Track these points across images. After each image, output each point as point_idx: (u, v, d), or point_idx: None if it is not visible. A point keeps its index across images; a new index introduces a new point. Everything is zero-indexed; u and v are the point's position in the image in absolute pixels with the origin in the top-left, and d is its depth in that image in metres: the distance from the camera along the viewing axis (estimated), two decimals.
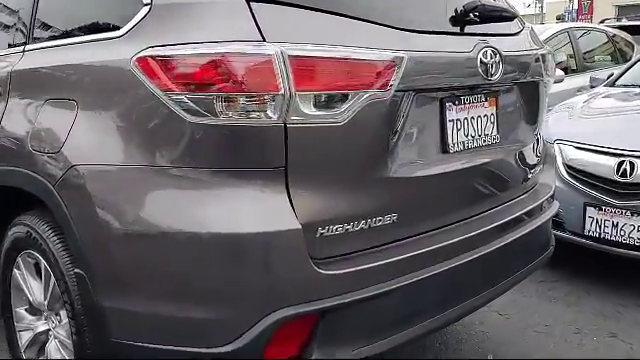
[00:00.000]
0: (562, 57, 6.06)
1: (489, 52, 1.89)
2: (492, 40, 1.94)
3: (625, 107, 4.08)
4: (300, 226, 1.47)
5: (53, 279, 1.83)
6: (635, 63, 4.67)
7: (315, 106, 1.48)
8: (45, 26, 2.04)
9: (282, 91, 1.42)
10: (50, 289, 1.89)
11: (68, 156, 1.69)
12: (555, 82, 4.78)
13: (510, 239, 2.02)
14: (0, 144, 2.00)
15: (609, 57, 6.69)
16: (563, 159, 3.39)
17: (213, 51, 1.43)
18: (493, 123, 2.02)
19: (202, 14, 1.51)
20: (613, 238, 3.10)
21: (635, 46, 6.97)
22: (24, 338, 2.11)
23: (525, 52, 2.17)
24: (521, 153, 2.20)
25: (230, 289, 1.46)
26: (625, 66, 4.83)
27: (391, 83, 1.59)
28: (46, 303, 1.96)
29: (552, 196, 2.40)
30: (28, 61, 2.01)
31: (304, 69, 1.45)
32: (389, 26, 1.67)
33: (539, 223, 2.21)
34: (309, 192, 1.52)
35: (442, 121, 1.83)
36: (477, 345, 2.69)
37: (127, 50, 1.56)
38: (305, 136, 1.49)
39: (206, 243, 1.46)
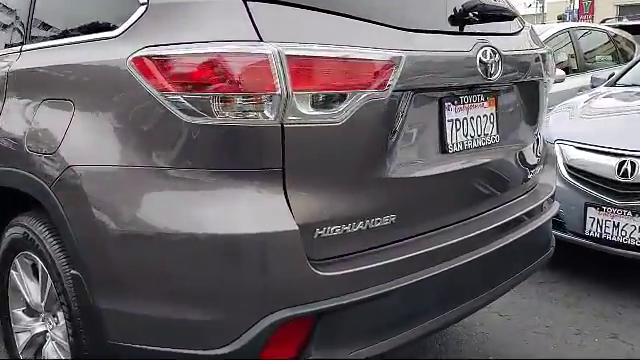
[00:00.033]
0: (563, 57, 6.05)
1: (488, 51, 1.88)
2: (492, 39, 1.93)
3: (626, 107, 4.06)
4: (297, 227, 1.46)
5: (50, 280, 1.82)
6: (636, 63, 4.66)
7: (312, 106, 1.47)
8: (42, 26, 2.03)
9: (279, 91, 1.41)
10: (47, 290, 1.88)
11: (64, 157, 1.67)
12: (556, 82, 4.77)
13: (510, 240, 2.01)
14: None
15: (610, 57, 6.68)
16: (564, 159, 3.38)
17: (209, 51, 1.42)
18: (493, 123, 2.01)
19: (198, 13, 1.50)
20: (614, 238, 3.09)
21: (636, 46, 6.96)
22: (21, 339, 2.10)
23: (525, 52, 2.16)
24: (521, 153, 2.19)
25: (227, 291, 1.45)
26: (626, 66, 4.81)
27: (389, 83, 1.58)
28: (43, 304, 1.95)
29: (552, 196, 2.39)
30: (25, 61, 2.00)
31: (301, 69, 1.44)
32: (387, 25, 1.65)
33: (539, 224, 2.19)
34: (307, 193, 1.51)
35: (441, 121, 1.82)
36: (477, 346, 2.68)
37: (123, 50, 1.55)
38: (302, 136, 1.48)
39: (202, 244, 1.44)
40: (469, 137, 1.91)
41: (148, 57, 1.50)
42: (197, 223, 1.45)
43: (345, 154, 1.57)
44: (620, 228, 3.06)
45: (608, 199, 3.11)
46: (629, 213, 3.04)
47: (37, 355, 2.06)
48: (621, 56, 6.66)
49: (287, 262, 1.46)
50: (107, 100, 1.62)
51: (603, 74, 5.05)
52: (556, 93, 4.67)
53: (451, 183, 1.87)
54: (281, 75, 1.40)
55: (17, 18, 2.14)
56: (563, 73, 5.28)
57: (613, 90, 4.35)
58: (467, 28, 1.88)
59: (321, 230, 1.52)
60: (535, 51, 2.22)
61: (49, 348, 1.98)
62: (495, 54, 1.90)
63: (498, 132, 2.03)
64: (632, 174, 3.06)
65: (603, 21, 9.35)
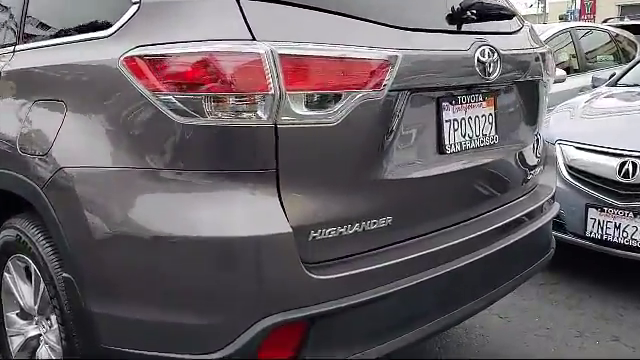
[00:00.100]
0: (564, 57, 6.02)
1: (487, 51, 1.85)
2: (490, 38, 1.90)
3: (627, 107, 4.03)
4: (291, 229, 1.43)
5: (43, 283, 1.80)
6: (638, 63, 4.63)
7: (307, 106, 1.44)
8: (35, 26, 2.01)
9: (272, 91, 1.38)
10: (40, 294, 1.86)
11: (56, 158, 1.65)
12: (557, 82, 4.75)
13: (510, 241, 1.98)
14: None
15: (612, 57, 6.65)
16: (564, 159, 3.35)
17: (201, 50, 1.40)
18: (491, 123, 1.98)
19: (191, 12, 1.48)
20: (615, 240, 3.06)
21: (638, 46, 6.92)
22: (15, 343, 2.08)
23: (524, 51, 2.14)
24: (520, 154, 2.16)
25: (219, 294, 1.43)
26: (627, 66, 4.79)
27: (385, 83, 1.55)
28: (36, 308, 1.92)
29: (552, 197, 2.36)
30: (18, 61, 1.98)
31: (295, 68, 1.42)
32: (383, 24, 1.63)
33: (539, 225, 2.17)
34: (301, 194, 1.49)
35: (438, 121, 1.80)
36: (477, 349, 2.66)
37: (115, 50, 1.53)
38: (296, 137, 1.45)
39: (193, 247, 1.42)
40: (467, 138, 1.88)
41: (140, 57, 1.47)
42: (188, 225, 1.43)
43: (340, 155, 1.54)
44: (621, 229, 3.03)
45: (609, 200, 3.09)
46: (630, 214, 3.01)
47: (31, 358, 2.03)
48: (622, 56, 6.63)
49: (280, 265, 1.43)
50: (99, 101, 1.60)
51: (604, 74, 5.03)
52: (557, 93, 4.64)
53: (449, 184, 1.84)
54: (274, 75, 1.38)
55: (10, 18, 2.12)
56: (564, 73, 5.25)
57: (614, 90, 4.32)
58: (465, 27, 1.86)
59: (316, 232, 1.50)
60: (535, 50, 2.19)
61: (42, 352, 1.96)
62: (493, 53, 1.87)
63: (497, 132, 2.00)
64: (633, 175, 3.04)
65: (605, 21, 9.32)
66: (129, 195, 1.51)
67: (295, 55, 1.42)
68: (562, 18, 21.75)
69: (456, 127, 1.85)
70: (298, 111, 1.43)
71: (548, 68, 2.25)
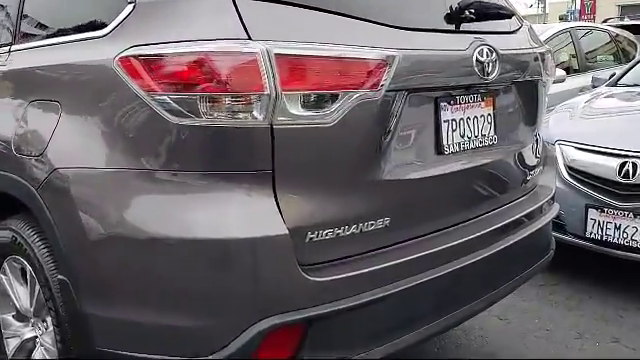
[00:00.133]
0: (564, 57, 6.01)
1: (485, 50, 1.84)
2: (489, 38, 1.89)
3: (627, 107, 4.02)
4: (287, 231, 1.42)
5: (38, 285, 1.79)
6: (638, 63, 4.62)
7: (303, 106, 1.43)
8: (31, 26, 2.00)
9: (268, 91, 1.37)
10: (35, 295, 1.85)
11: (51, 159, 1.64)
12: (557, 82, 4.73)
13: (509, 242, 1.97)
14: None
15: (612, 57, 6.63)
16: (564, 160, 3.34)
17: (196, 50, 1.38)
18: (490, 124, 1.97)
19: (186, 11, 1.46)
20: (615, 240, 3.04)
21: (638, 46, 6.91)
22: (11, 345, 2.06)
23: (523, 51, 2.12)
24: (520, 154, 2.15)
25: (215, 297, 1.41)
26: (627, 66, 4.77)
27: (382, 83, 1.54)
28: (32, 310, 1.91)
29: (552, 198, 2.35)
30: (14, 62, 1.96)
31: (291, 68, 1.40)
32: (380, 24, 1.61)
33: (539, 226, 2.16)
34: (297, 195, 1.47)
35: (437, 122, 1.78)
36: (476, 351, 2.64)
37: (110, 50, 1.52)
38: (293, 137, 1.44)
39: (188, 249, 1.41)
40: (466, 138, 1.87)
41: (135, 57, 1.46)
42: (183, 227, 1.41)
43: (337, 156, 1.53)
44: (621, 230, 3.02)
45: (609, 200, 3.07)
46: (630, 215, 3.00)
47: None
48: (622, 56, 6.61)
49: (277, 267, 1.42)
50: (94, 101, 1.58)
51: (604, 74, 5.01)
52: (557, 93, 4.63)
53: (447, 185, 1.83)
54: (270, 74, 1.36)
55: (6, 18, 2.10)
56: (564, 73, 5.24)
57: (614, 90, 4.31)
58: (463, 26, 1.84)
59: (313, 234, 1.48)
60: (534, 50, 2.18)
61: (38, 354, 1.94)
62: (492, 53, 1.86)
63: (496, 133, 1.99)
64: (633, 175, 3.02)
65: (605, 21, 9.30)
66: (124, 196, 1.50)
67: (291, 55, 1.41)
68: (562, 18, 21.74)
69: (454, 127, 1.83)
70: (294, 111, 1.42)
71: (547, 68, 2.24)
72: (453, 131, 1.83)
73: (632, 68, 4.56)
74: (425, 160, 1.76)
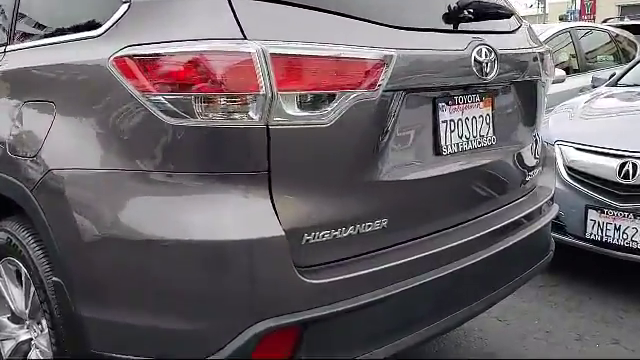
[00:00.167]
0: (564, 57, 5.99)
1: (484, 50, 1.82)
2: (487, 38, 1.87)
3: (627, 107, 4.00)
4: (283, 233, 1.40)
5: (33, 287, 1.77)
6: (638, 63, 4.60)
7: (299, 107, 1.41)
8: (26, 26, 1.99)
9: (263, 91, 1.35)
10: (30, 297, 1.83)
11: (45, 160, 1.63)
12: (556, 82, 4.72)
13: (508, 244, 1.96)
14: None
15: (612, 57, 6.61)
16: (564, 160, 3.32)
17: (191, 49, 1.37)
18: (489, 124, 1.95)
19: (181, 11, 1.45)
20: (615, 241, 3.03)
21: (638, 46, 6.89)
22: (6, 347, 2.05)
23: (522, 50, 2.11)
24: (519, 155, 2.13)
25: (210, 299, 1.40)
26: (627, 66, 4.76)
27: (379, 83, 1.52)
28: (27, 312, 1.90)
29: (552, 199, 2.33)
30: (9, 62, 1.95)
31: (287, 68, 1.39)
32: (378, 23, 1.60)
33: (538, 227, 2.14)
34: (294, 197, 1.46)
35: (435, 122, 1.77)
36: (476, 352, 2.63)
37: (105, 50, 1.50)
38: (289, 138, 1.42)
39: (183, 250, 1.39)
40: (464, 138, 1.85)
41: (129, 57, 1.45)
42: (178, 229, 1.40)
43: (334, 156, 1.51)
44: (621, 231, 3.00)
45: (609, 201, 3.05)
46: (631, 215, 2.98)
47: None
48: (622, 56, 6.60)
49: (273, 269, 1.40)
50: (89, 102, 1.57)
51: (604, 74, 5.00)
52: (557, 93, 4.62)
53: (446, 186, 1.82)
54: (265, 74, 1.35)
55: (1, 18, 2.09)
56: (564, 73, 5.22)
57: (614, 90, 4.29)
58: (462, 26, 1.83)
59: (309, 235, 1.47)
60: (533, 50, 2.16)
61: (34, 356, 1.93)
62: (491, 53, 1.84)
63: (494, 133, 1.97)
64: (634, 175, 3.00)
65: (605, 21, 9.29)
66: (119, 198, 1.49)
67: (287, 54, 1.39)
68: (562, 18, 21.71)
69: (453, 128, 1.82)
70: (290, 112, 1.40)
71: (546, 68, 2.22)
72: (451, 132, 1.81)
73: (632, 68, 4.54)
74: (423, 161, 1.75)
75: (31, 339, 1.96)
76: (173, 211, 1.42)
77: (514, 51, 2.05)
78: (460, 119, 1.84)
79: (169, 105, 1.38)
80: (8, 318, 2.03)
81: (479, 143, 1.91)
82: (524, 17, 2.35)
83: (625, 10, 22.20)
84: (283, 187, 1.43)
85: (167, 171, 1.43)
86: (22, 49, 1.93)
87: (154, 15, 1.49)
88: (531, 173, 2.23)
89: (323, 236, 1.49)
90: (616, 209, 3.03)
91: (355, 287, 1.52)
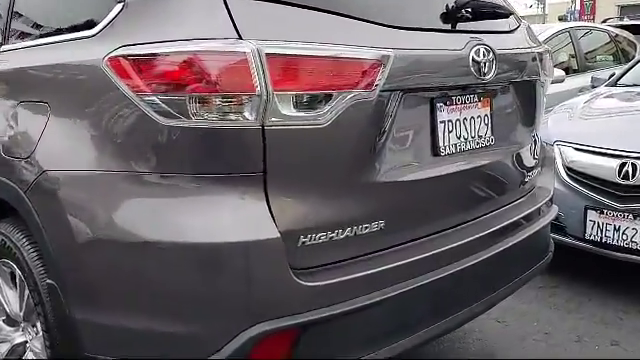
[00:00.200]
0: (563, 57, 5.98)
1: (482, 50, 1.81)
2: (485, 38, 1.86)
3: (627, 107, 3.99)
4: (279, 235, 1.38)
5: (27, 290, 1.76)
6: (637, 63, 4.59)
7: (295, 107, 1.40)
8: (21, 26, 1.98)
9: (259, 91, 1.34)
10: (25, 300, 1.82)
11: (39, 161, 1.61)
12: (556, 82, 4.70)
13: (507, 245, 1.94)
14: None
15: (611, 57, 6.60)
16: (563, 161, 3.31)
17: (185, 49, 1.35)
18: (487, 124, 1.94)
19: (176, 11, 1.43)
20: (615, 242, 3.01)
21: (637, 46, 6.88)
22: (2, 350, 2.03)
23: (521, 50, 2.09)
24: (517, 155, 2.12)
25: (205, 302, 1.38)
26: (627, 66, 4.74)
27: (376, 83, 1.51)
28: (22, 314, 1.88)
29: (551, 200, 2.32)
30: (3, 62, 1.93)
31: (283, 68, 1.37)
32: (375, 23, 1.58)
33: (537, 228, 2.13)
34: (290, 198, 1.44)
35: (432, 122, 1.75)
36: (475, 354, 2.61)
37: (100, 50, 1.49)
38: (285, 139, 1.41)
39: (178, 253, 1.37)
40: (462, 139, 1.84)
41: (124, 57, 1.43)
42: (172, 231, 1.38)
43: (330, 157, 1.50)
44: (621, 232, 2.99)
45: (609, 202, 3.04)
46: (630, 216, 2.97)
47: None
48: (622, 56, 6.59)
49: (268, 272, 1.39)
50: (83, 102, 1.56)
51: (604, 74, 4.98)
52: (556, 93, 4.60)
53: (444, 187, 1.80)
54: (261, 75, 1.33)
55: None
56: (563, 73, 5.21)
57: (614, 90, 4.28)
58: (460, 26, 1.81)
59: (305, 237, 1.45)
60: (532, 50, 2.15)
61: (29, 358, 1.91)
62: (489, 53, 1.83)
63: (493, 134, 1.96)
64: (633, 176, 2.99)
65: (604, 21, 9.28)
66: (113, 199, 1.47)
67: (283, 54, 1.38)
68: (562, 19, 21.71)
69: (451, 128, 1.80)
70: (286, 112, 1.38)
71: (545, 68, 2.21)
72: (449, 132, 1.80)
73: (632, 68, 4.53)
74: (421, 162, 1.73)
75: (26, 342, 1.94)
76: (167, 213, 1.41)
77: (513, 51, 2.03)
78: (458, 119, 1.83)
79: (163, 106, 1.37)
80: (3, 320, 2.02)
81: (477, 144, 1.90)
82: (524, 17, 2.33)
83: (625, 10, 22.20)
84: (279, 188, 1.42)
85: (161, 172, 1.42)
86: (17, 49, 1.92)
87: (149, 15, 1.48)
88: (530, 174, 2.22)
89: (319, 238, 1.48)
90: (616, 210, 3.01)
91: (352, 289, 1.50)
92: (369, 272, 1.55)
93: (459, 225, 1.87)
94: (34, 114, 1.69)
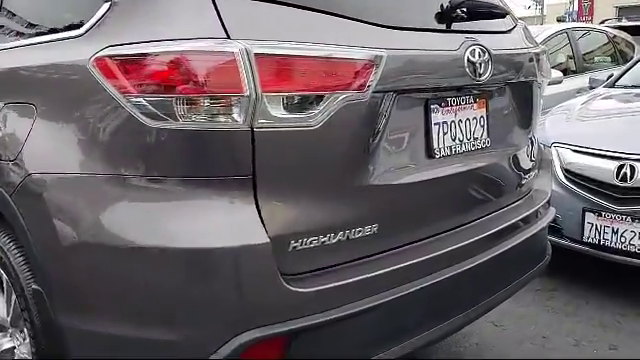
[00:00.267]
0: (561, 58, 5.96)
1: (477, 50, 1.78)
2: (481, 38, 1.83)
3: (625, 109, 3.97)
4: (269, 239, 1.35)
5: (14, 295, 1.72)
6: (635, 64, 4.56)
7: (285, 109, 1.36)
8: (6, 27, 1.94)
9: (247, 92, 1.30)
10: (12, 305, 1.78)
11: (25, 164, 1.58)
12: (554, 83, 4.68)
13: (504, 248, 1.91)
14: None
15: (609, 58, 6.58)
16: (561, 163, 3.28)
17: (171, 49, 1.32)
18: (483, 126, 1.91)
19: (162, 10, 1.40)
20: (613, 245, 2.98)
21: (635, 47, 6.86)
22: None
23: (517, 51, 2.06)
24: (514, 157, 2.09)
25: (192, 308, 1.34)
26: (625, 67, 4.72)
27: (369, 84, 1.47)
28: (9, 320, 1.85)
29: (548, 202, 2.29)
30: None
31: (272, 68, 1.34)
32: (367, 22, 1.55)
33: (534, 231, 2.10)
34: (280, 202, 1.41)
35: (427, 124, 1.72)
36: (472, 358, 2.58)
37: (87, 50, 1.45)
38: (275, 141, 1.37)
39: (164, 258, 1.34)
40: (457, 141, 1.81)
41: (110, 57, 1.40)
42: (158, 236, 1.34)
43: (322, 160, 1.46)
44: (619, 234, 2.96)
45: (607, 204, 3.01)
46: (628, 219, 2.94)
47: None
48: (620, 57, 6.57)
49: (257, 278, 1.35)
50: (69, 104, 1.52)
51: (602, 75, 4.96)
52: (554, 95, 4.58)
53: (438, 190, 1.77)
54: (249, 75, 1.30)
55: None
56: (561, 74, 5.19)
57: (612, 91, 4.25)
58: (455, 26, 1.78)
59: (296, 242, 1.42)
60: (528, 50, 2.12)
61: None
62: (484, 53, 1.80)
63: (489, 135, 1.93)
64: (631, 178, 2.96)
65: (602, 22, 9.26)
66: (100, 203, 1.43)
67: (272, 55, 1.34)
68: (560, 20, 21.72)
69: (446, 130, 1.77)
70: (276, 114, 1.35)
71: (542, 69, 2.18)
72: (444, 134, 1.77)
73: (630, 69, 4.50)
74: (415, 164, 1.70)
75: (14, 347, 1.90)
76: (153, 217, 1.37)
77: (509, 51, 2.00)
78: (453, 121, 1.79)
79: (150, 107, 1.33)
80: None
81: (473, 146, 1.87)
82: (522, 18, 2.30)
83: (623, 11, 22.19)
84: (269, 192, 1.38)
85: (148, 176, 1.38)
86: (1, 50, 1.88)
87: (136, 14, 1.44)
88: (527, 176, 2.19)
89: (311, 242, 1.44)
90: (614, 212, 2.98)
91: (344, 295, 1.47)
92: (362, 277, 1.51)
93: (455, 228, 1.83)
94: (20, 116, 1.65)
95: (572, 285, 3.26)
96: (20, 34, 1.88)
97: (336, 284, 1.45)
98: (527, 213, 2.10)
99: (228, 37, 1.32)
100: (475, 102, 1.87)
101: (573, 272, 3.38)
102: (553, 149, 3.32)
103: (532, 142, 2.24)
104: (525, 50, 2.10)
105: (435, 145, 1.73)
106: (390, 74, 1.53)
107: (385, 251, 1.62)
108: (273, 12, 1.43)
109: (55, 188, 1.51)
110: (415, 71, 1.64)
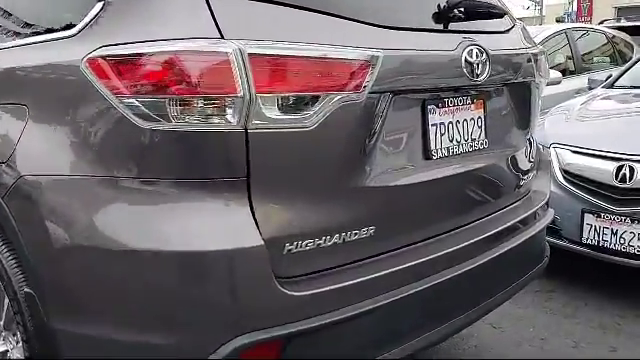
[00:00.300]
0: (560, 59, 5.95)
1: (475, 51, 1.76)
2: (478, 38, 1.81)
3: (624, 109, 3.95)
4: (263, 242, 1.33)
5: (7, 298, 1.70)
6: (634, 64, 4.55)
7: (280, 109, 1.35)
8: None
9: (241, 93, 1.28)
10: (5, 309, 1.76)
11: (17, 166, 1.56)
12: (553, 84, 4.66)
13: (502, 250, 1.90)
14: None
15: (608, 58, 6.57)
16: (560, 164, 3.27)
17: (164, 50, 1.30)
18: (481, 127, 1.89)
19: (156, 10, 1.38)
20: (612, 246, 2.97)
21: (634, 47, 6.86)
22: None
23: (515, 51, 2.04)
24: (512, 158, 2.07)
25: (186, 312, 1.33)
26: (624, 67, 4.71)
27: (365, 84, 1.46)
28: (2, 323, 1.82)
29: (547, 203, 2.27)
30: None
31: (266, 69, 1.32)
32: (364, 22, 1.53)
33: (533, 233, 2.09)
34: (275, 204, 1.39)
35: (424, 125, 1.70)
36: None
37: (79, 50, 1.43)
38: (269, 142, 1.35)
39: (157, 261, 1.32)
40: (455, 142, 1.79)
41: (102, 57, 1.38)
42: (151, 238, 1.33)
43: (318, 162, 1.44)
44: (618, 235, 2.94)
45: (606, 205, 3.00)
46: (627, 220, 2.92)
47: None
48: (619, 57, 6.56)
49: (252, 281, 1.33)
50: (62, 105, 1.50)
51: (601, 76, 4.95)
52: (553, 95, 4.56)
53: (436, 191, 1.75)
54: (243, 76, 1.28)
55: None
56: (560, 75, 5.18)
57: (611, 92, 4.24)
58: (452, 26, 1.77)
59: (291, 245, 1.40)
60: (526, 50, 2.10)
61: None
62: (482, 53, 1.78)
63: (487, 136, 1.91)
64: (630, 179, 2.95)
65: (601, 22, 9.25)
66: (93, 205, 1.41)
67: (267, 55, 1.32)
68: (559, 20, 21.72)
69: (443, 131, 1.75)
70: (271, 115, 1.33)
71: (540, 69, 2.16)
72: (441, 135, 1.75)
73: (629, 70, 4.49)
74: (412, 165, 1.69)
75: (7, 351, 1.89)
76: (147, 219, 1.36)
77: (507, 52, 1.99)
78: (451, 122, 1.78)
79: (143, 108, 1.32)
80: None
81: (471, 147, 1.85)
82: (520, 19, 2.29)
83: (621, 12, 22.20)
84: (263, 194, 1.36)
85: (141, 177, 1.36)
86: None
87: (129, 14, 1.42)
88: (525, 177, 2.17)
89: (306, 245, 1.42)
90: (613, 213, 2.97)
91: (340, 298, 1.45)
92: (358, 280, 1.50)
93: (453, 230, 1.82)
94: (12, 117, 1.63)
95: (571, 286, 3.25)
96: (11, 34, 1.86)
97: (332, 287, 1.43)
98: (526, 214, 2.09)
99: (222, 37, 1.30)
100: (473, 103, 1.85)
101: (572, 273, 3.36)
102: (552, 150, 3.31)
103: (530, 143, 2.22)
104: (523, 50, 2.09)
105: (432, 146, 1.72)
106: (387, 74, 1.51)
107: (382, 253, 1.60)
108: (268, 12, 1.42)
109: (48, 190, 1.49)
110: (412, 71, 1.62)
